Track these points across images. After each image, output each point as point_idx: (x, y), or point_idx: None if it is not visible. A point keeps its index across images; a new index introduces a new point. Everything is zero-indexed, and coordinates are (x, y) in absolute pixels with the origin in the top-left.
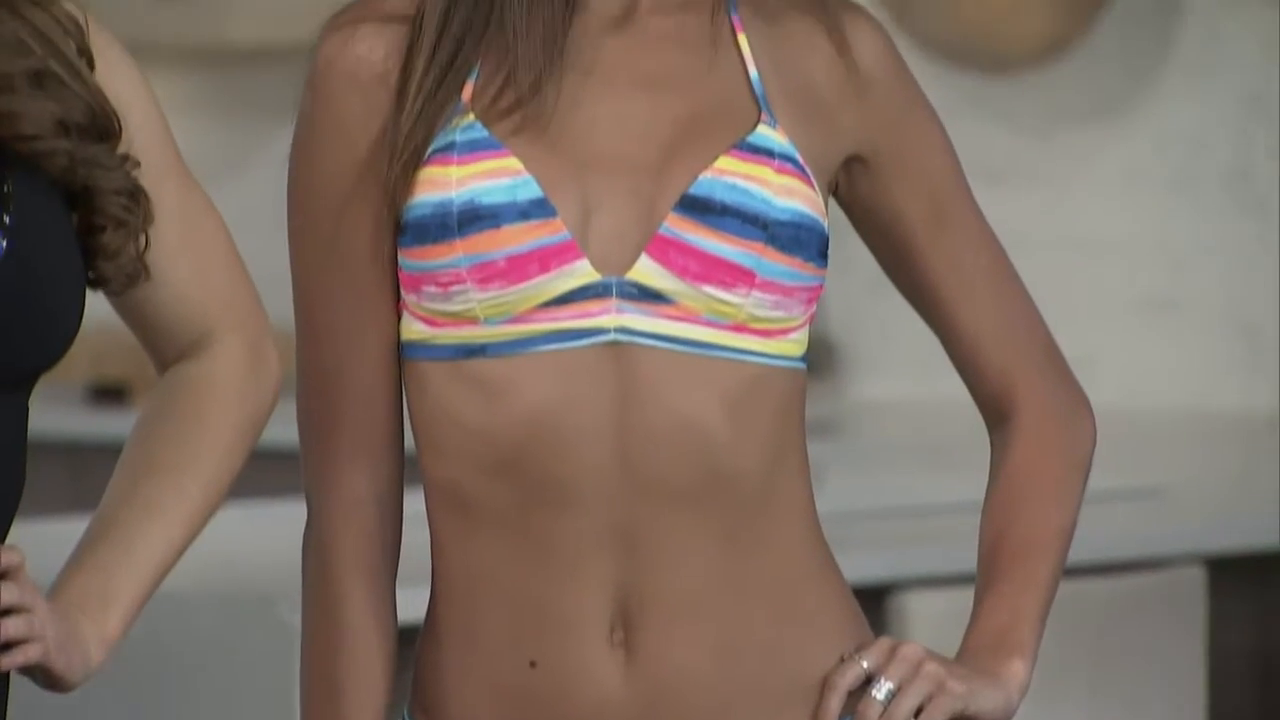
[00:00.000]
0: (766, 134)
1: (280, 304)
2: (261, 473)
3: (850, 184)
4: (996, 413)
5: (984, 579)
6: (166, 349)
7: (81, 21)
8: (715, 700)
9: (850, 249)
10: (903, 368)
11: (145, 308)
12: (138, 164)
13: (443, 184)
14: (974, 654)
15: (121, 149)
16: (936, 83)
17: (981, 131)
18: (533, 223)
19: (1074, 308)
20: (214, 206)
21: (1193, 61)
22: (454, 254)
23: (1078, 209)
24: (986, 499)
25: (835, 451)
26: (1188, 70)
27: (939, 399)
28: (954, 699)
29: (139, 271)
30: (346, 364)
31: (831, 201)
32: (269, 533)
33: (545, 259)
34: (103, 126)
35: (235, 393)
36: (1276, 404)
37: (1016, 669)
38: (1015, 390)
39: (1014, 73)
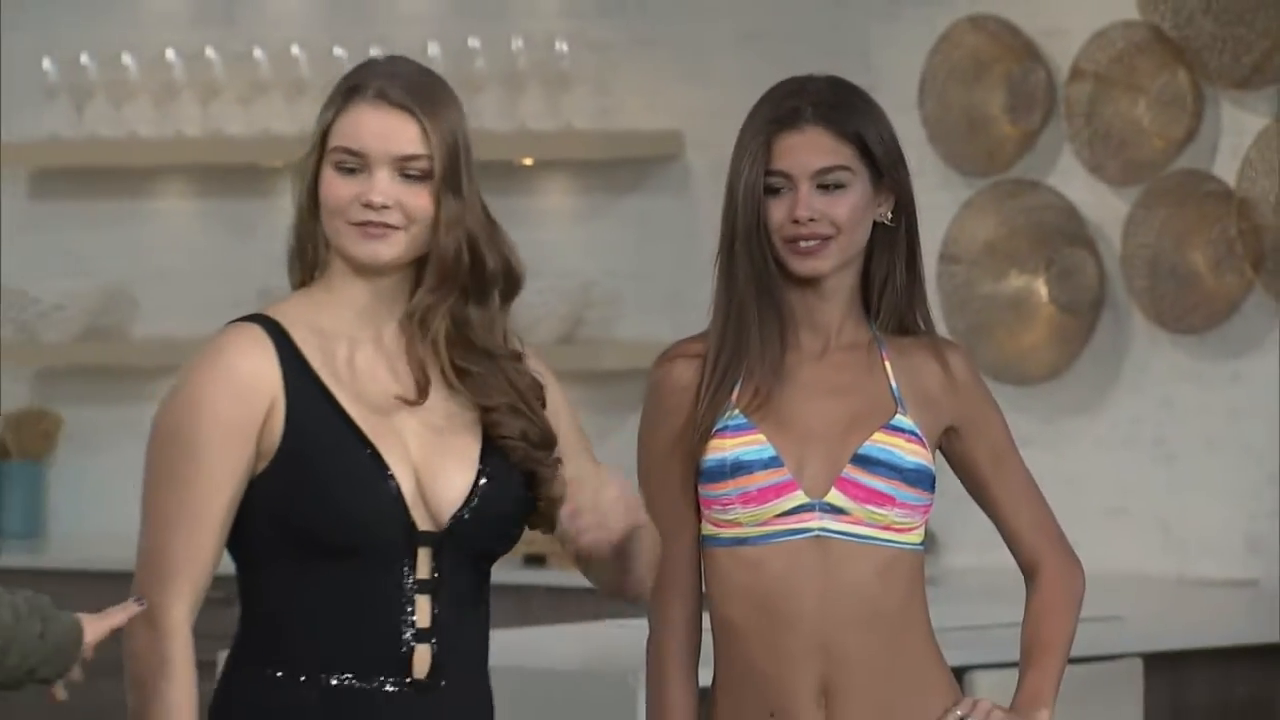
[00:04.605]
0: (901, 419)
1: None
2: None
3: (948, 443)
4: (1028, 571)
5: (1024, 663)
6: None
7: (542, 381)
8: None
9: (941, 471)
10: (971, 548)
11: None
12: (559, 461)
13: (721, 449)
14: (1019, 708)
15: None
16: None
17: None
18: (771, 470)
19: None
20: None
21: None
22: (728, 488)
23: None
24: (1024, 619)
25: (938, 594)
26: None
27: (992, 567)
28: None
29: (555, 523)
30: (671, 549)
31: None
32: (623, 639)
33: (779, 490)
34: (548, 441)
35: None
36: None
37: (1044, 715)
38: (1039, 559)
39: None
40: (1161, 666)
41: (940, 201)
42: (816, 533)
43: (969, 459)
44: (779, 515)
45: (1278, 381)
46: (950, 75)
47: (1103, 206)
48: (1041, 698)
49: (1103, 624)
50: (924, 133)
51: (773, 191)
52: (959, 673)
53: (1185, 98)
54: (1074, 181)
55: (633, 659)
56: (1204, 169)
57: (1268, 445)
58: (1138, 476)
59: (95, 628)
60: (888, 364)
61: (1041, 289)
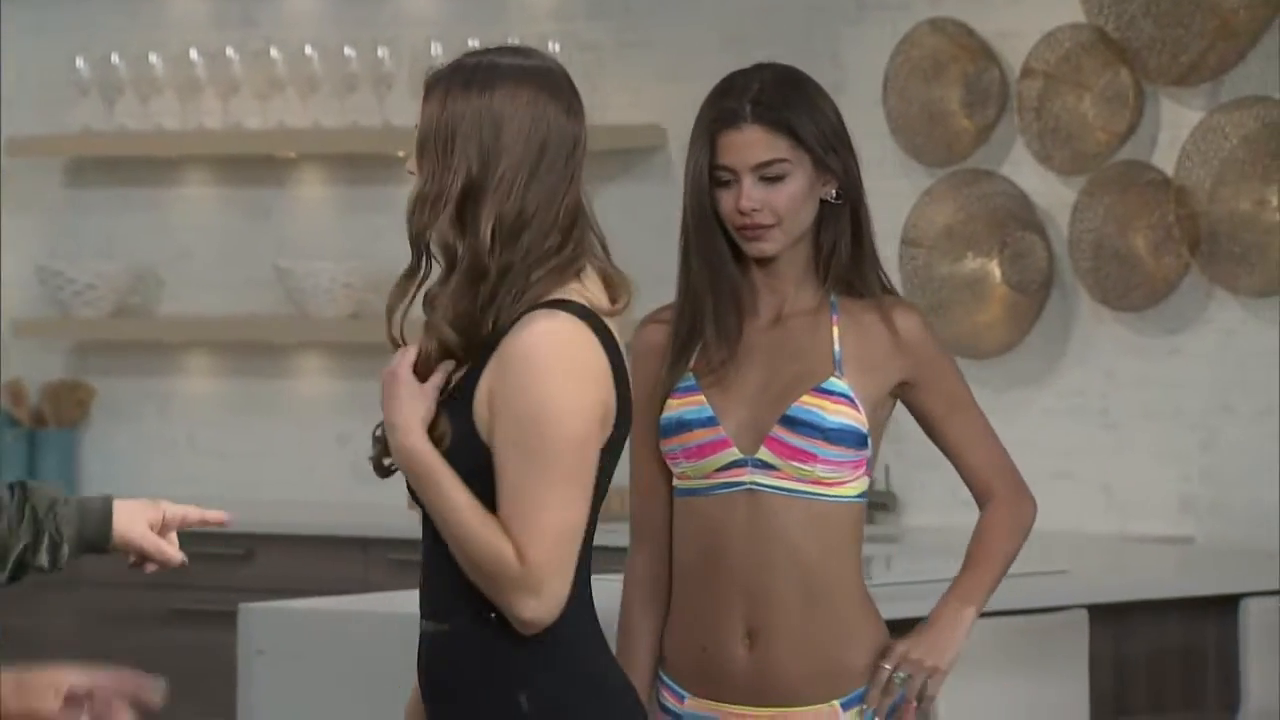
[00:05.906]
0: (834, 382)
1: None
2: None
3: (905, 394)
4: (981, 500)
5: (962, 567)
6: None
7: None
8: (797, 674)
9: (905, 439)
10: (931, 509)
11: None
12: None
13: (670, 409)
14: (950, 600)
15: None
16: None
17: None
18: (708, 428)
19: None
20: None
21: None
22: (673, 444)
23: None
24: (973, 534)
25: (899, 550)
26: None
27: (949, 526)
28: (937, 674)
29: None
30: (644, 502)
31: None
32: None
33: (715, 447)
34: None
35: None
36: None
37: (969, 613)
38: (991, 492)
39: (984, 358)
40: (1105, 617)
41: (902, 189)
42: (748, 486)
43: (923, 408)
44: (716, 470)
45: (1211, 355)
46: (912, 73)
47: (1051, 194)
48: (971, 596)
49: (1050, 578)
50: (887, 126)
51: (722, 184)
52: (918, 622)
53: (1127, 94)
54: (1025, 171)
55: (610, 606)
56: (1144, 160)
57: (1201, 414)
58: (1083, 442)
59: (141, 511)
60: (835, 328)
61: (995, 270)
